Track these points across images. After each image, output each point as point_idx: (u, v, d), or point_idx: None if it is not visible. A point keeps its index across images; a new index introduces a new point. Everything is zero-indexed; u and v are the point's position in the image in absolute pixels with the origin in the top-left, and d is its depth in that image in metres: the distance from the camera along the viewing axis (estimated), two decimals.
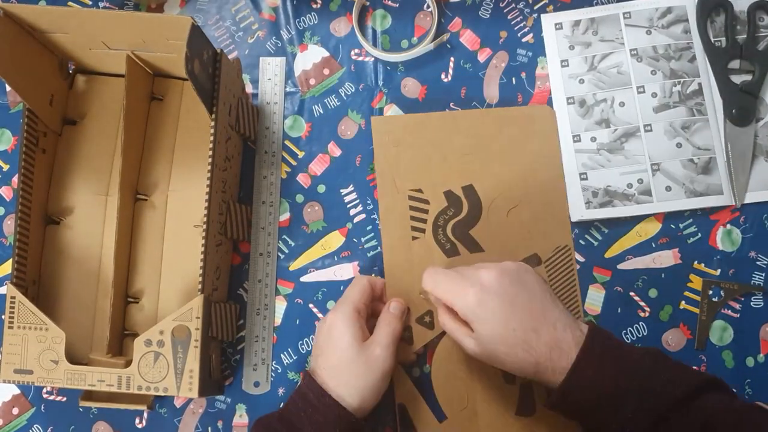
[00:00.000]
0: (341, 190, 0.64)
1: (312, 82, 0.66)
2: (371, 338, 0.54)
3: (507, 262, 0.52)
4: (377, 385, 0.52)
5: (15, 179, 0.64)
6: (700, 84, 0.63)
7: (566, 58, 0.64)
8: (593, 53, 0.64)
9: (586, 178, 0.62)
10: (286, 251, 0.63)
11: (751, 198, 0.61)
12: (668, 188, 0.61)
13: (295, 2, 0.67)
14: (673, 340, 0.60)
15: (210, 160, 0.54)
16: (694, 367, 0.59)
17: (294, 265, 0.63)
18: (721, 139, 0.62)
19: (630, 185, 0.62)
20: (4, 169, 0.66)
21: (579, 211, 0.62)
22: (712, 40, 0.63)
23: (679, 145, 0.62)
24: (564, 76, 0.64)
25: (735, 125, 0.61)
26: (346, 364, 0.52)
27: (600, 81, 0.63)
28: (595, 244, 0.62)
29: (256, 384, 0.61)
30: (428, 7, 0.66)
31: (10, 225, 0.65)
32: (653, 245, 0.61)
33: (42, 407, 0.61)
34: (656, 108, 0.63)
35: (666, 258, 0.61)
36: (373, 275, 0.61)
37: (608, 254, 0.62)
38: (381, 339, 0.54)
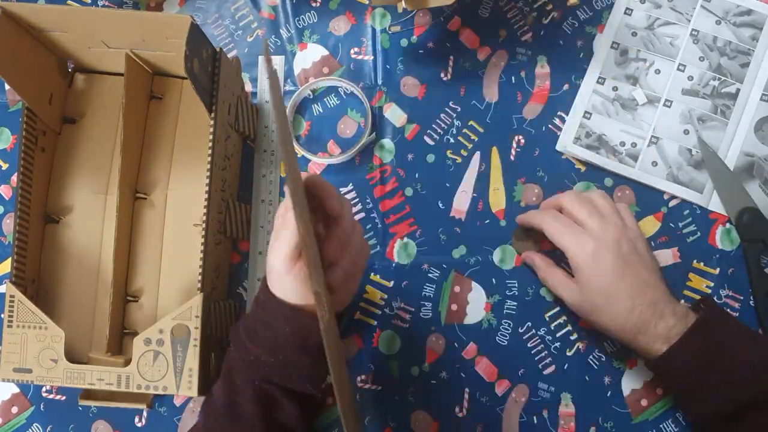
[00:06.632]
0: (341, 189, 0.64)
1: (311, 80, 0.66)
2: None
3: (628, 228, 0.56)
4: (290, 289, 0.47)
5: (14, 178, 0.64)
6: (738, 90, 0.63)
7: (633, 7, 0.65)
8: (658, 16, 0.65)
9: (589, 119, 0.63)
10: None
11: (723, 210, 0.62)
12: (654, 163, 0.62)
13: (294, 1, 0.67)
14: None
15: (209, 158, 0.54)
16: None
17: None
18: (730, 148, 0.62)
19: (623, 143, 0.63)
20: (3, 168, 0.66)
21: (565, 143, 0.63)
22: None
23: (686, 132, 0.62)
24: (622, 22, 0.65)
25: None
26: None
27: (650, 42, 0.64)
28: None
29: None
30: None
31: (9, 224, 0.65)
32: (652, 244, 0.61)
33: (41, 406, 0.61)
34: (686, 90, 0.63)
35: (665, 257, 0.61)
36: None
37: None
38: (273, 261, 0.46)
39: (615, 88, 0.64)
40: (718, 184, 0.61)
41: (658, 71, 0.64)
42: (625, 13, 0.65)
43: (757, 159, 0.62)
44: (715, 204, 0.61)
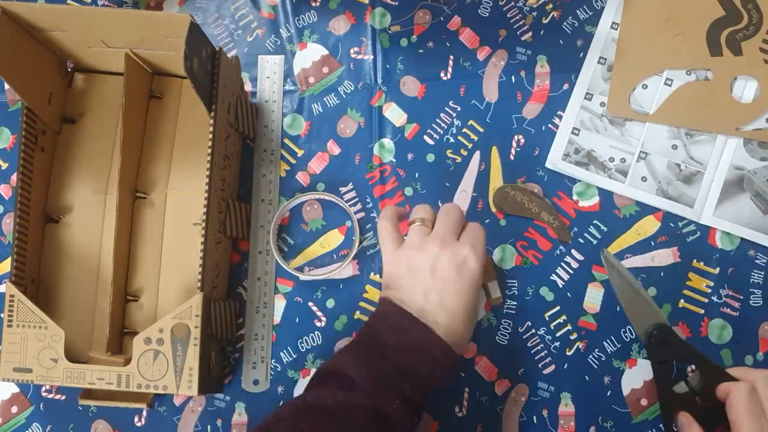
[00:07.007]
0: (340, 189, 0.64)
1: (311, 80, 0.66)
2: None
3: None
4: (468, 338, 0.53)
5: (14, 177, 0.64)
6: None
7: (619, 22, 0.65)
8: None
9: (577, 135, 0.63)
10: (286, 249, 0.63)
11: (716, 223, 0.61)
12: (644, 179, 0.62)
13: (294, 0, 0.67)
14: None
15: (209, 158, 0.54)
16: None
17: (293, 264, 0.63)
18: (720, 161, 0.62)
19: (612, 159, 0.62)
20: (2, 168, 0.66)
21: (554, 160, 0.63)
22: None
23: (674, 147, 0.62)
24: (608, 38, 0.64)
25: None
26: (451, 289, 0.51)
27: None
28: (594, 242, 0.62)
29: (256, 382, 0.61)
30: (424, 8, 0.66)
31: (9, 223, 0.64)
32: (652, 243, 0.62)
33: (41, 405, 0.61)
34: None
35: (665, 256, 0.61)
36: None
37: None
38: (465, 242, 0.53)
39: (602, 104, 0.63)
40: (625, 302, 0.57)
41: (645, 86, 0.63)
42: (611, 27, 0.65)
43: (747, 172, 0.62)
44: (707, 218, 0.61)
